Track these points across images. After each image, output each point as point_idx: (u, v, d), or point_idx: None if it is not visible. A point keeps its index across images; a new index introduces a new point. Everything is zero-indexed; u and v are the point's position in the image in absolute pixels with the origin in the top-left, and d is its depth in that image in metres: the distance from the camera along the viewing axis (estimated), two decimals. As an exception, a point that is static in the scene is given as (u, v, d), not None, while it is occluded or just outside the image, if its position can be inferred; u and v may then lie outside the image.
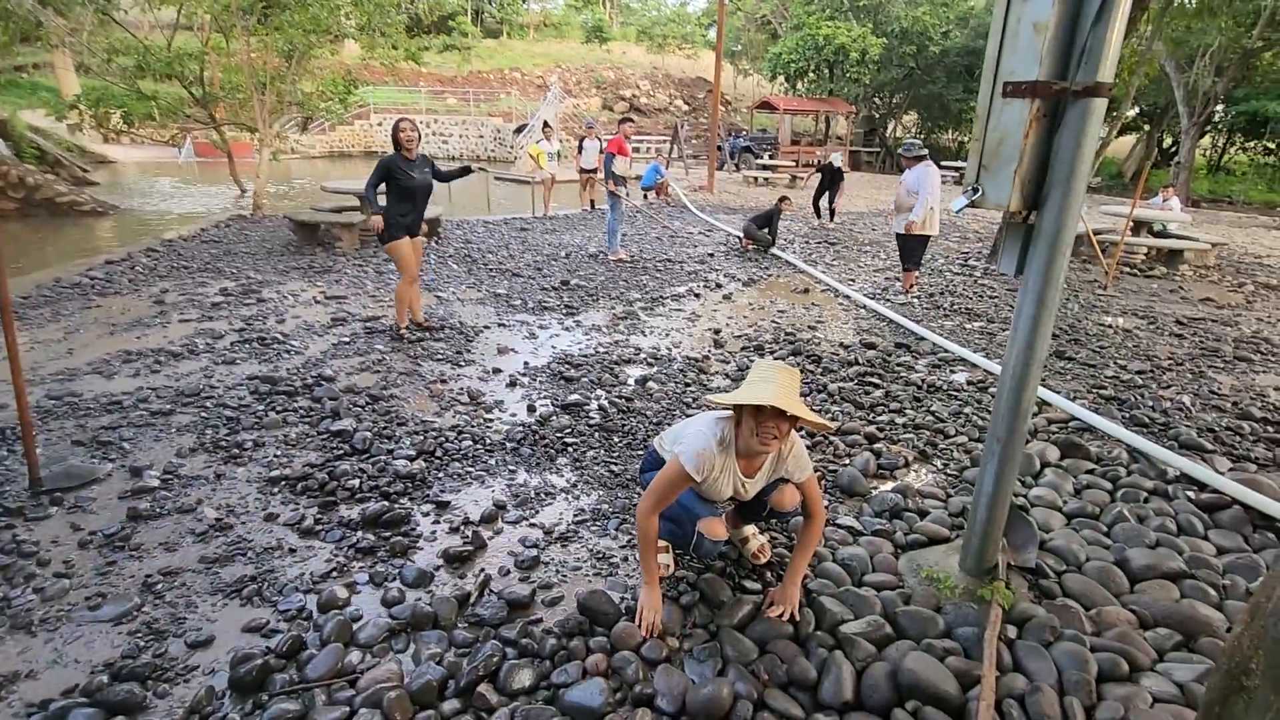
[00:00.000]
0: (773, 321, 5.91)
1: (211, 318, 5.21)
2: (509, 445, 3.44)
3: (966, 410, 4.03)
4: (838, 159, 12.62)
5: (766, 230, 9.04)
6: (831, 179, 12.35)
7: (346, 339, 4.89)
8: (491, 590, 2.34)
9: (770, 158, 22.42)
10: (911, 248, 6.76)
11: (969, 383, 4.50)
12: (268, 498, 2.86)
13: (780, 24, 31.81)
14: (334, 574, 2.41)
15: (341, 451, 3.26)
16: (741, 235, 9.29)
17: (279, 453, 3.23)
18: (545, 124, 13.23)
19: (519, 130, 24.70)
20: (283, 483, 2.96)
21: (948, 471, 3.33)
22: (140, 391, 3.80)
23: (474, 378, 4.35)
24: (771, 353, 5.05)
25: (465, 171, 5.28)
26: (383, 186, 4.76)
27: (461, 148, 26.94)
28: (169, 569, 2.39)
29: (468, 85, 30.92)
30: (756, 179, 19.56)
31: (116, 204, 11.46)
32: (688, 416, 3.80)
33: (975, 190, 2.08)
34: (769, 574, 2.44)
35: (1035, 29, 1.88)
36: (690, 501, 2.29)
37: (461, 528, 2.72)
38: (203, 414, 3.58)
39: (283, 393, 3.89)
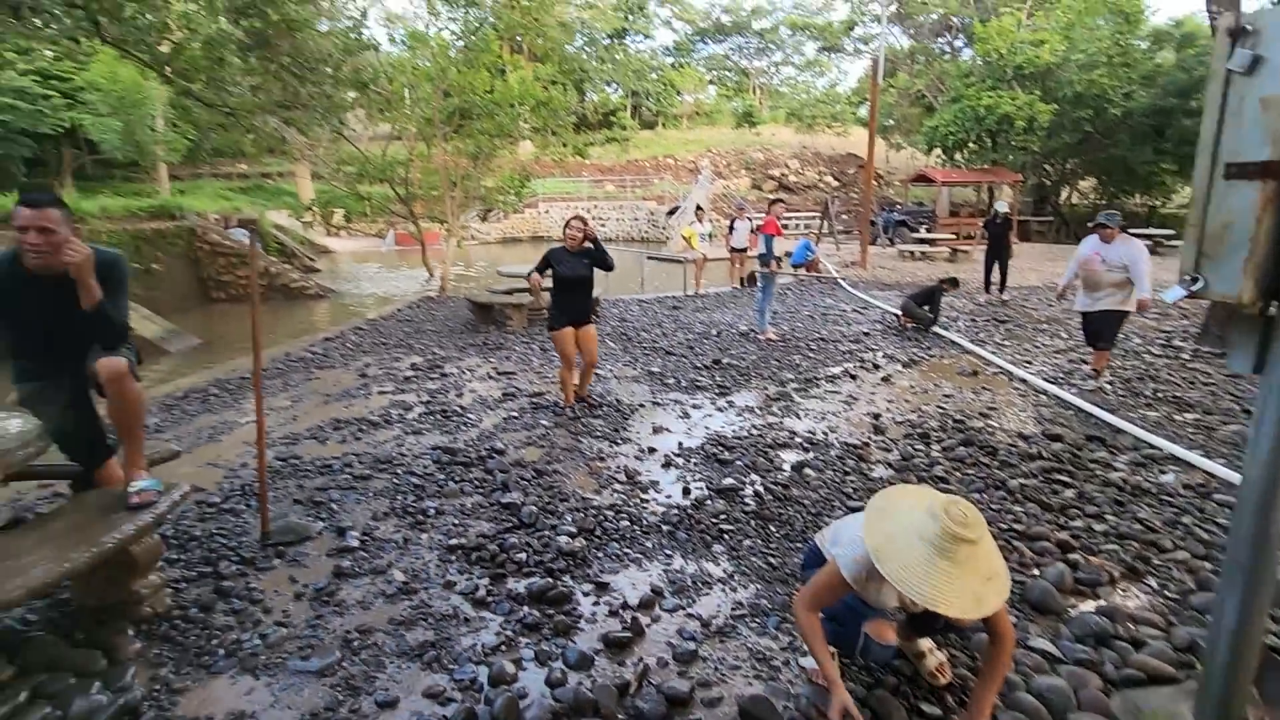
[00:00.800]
0: (938, 407, 5.55)
1: (403, 390, 5.85)
2: (665, 528, 3.46)
3: (1185, 520, 3.48)
4: (1003, 205, 11.73)
5: (927, 308, 8.61)
6: (1000, 235, 11.40)
7: (515, 413, 5.26)
8: (650, 682, 2.32)
9: (927, 231, 21.58)
10: (1108, 325, 6.05)
11: (1186, 486, 3.90)
12: (446, 565, 3.08)
13: (936, 97, 31.17)
14: (503, 648, 2.52)
15: (510, 524, 3.45)
16: (899, 313, 8.93)
17: (456, 522, 3.49)
18: (698, 208, 13.78)
19: (671, 212, 25.90)
20: (459, 551, 3.19)
21: (1167, 594, 2.87)
22: (346, 457, 4.32)
23: (630, 456, 4.47)
24: (939, 441, 4.71)
25: (599, 250, 5.20)
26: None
27: (618, 230, 28.67)
28: (364, 627, 2.63)
29: (625, 173, 33.16)
30: (913, 253, 18.85)
31: (334, 288, 13.51)
32: (849, 509, 3.63)
33: (1195, 279, 1.88)
34: (950, 698, 2.21)
35: (1265, 105, 1.70)
36: (855, 601, 2.17)
37: (620, 611, 2.74)
38: (394, 480, 3.98)
39: (460, 463, 4.23)
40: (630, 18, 44.36)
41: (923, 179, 24.81)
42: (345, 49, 11.06)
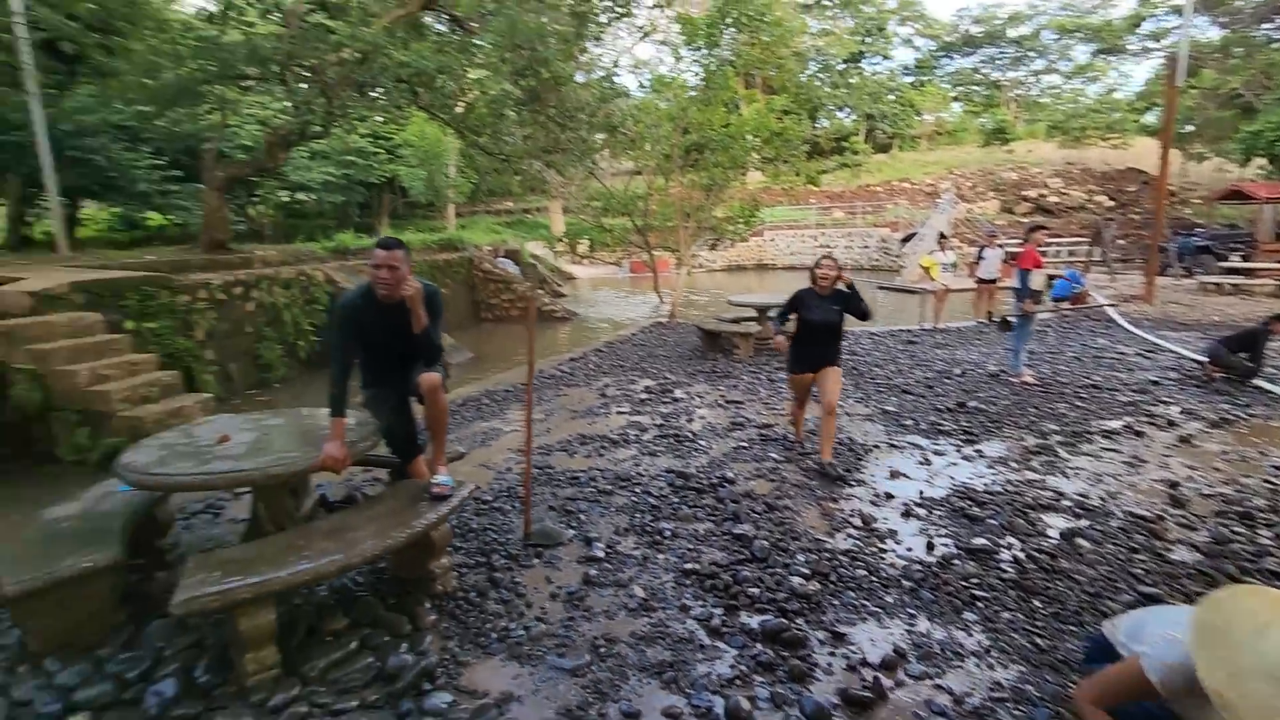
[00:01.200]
0: (1266, 481, 4.47)
1: (639, 412, 6.21)
2: (906, 584, 3.24)
3: None
4: None
5: (1246, 355, 7.01)
6: None
7: (744, 444, 5.30)
8: (896, 751, 2.18)
9: (1242, 259, 17.58)
10: None
11: None
12: (681, 589, 3.20)
13: (1258, 96, 25.47)
14: (738, 682, 2.54)
15: (742, 556, 3.48)
16: (1205, 359, 7.38)
17: (690, 546, 3.61)
18: (941, 235, 12.79)
19: (906, 239, 24.34)
20: (694, 577, 3.29)
21: None
22: (590, 471, 4.70)
23: (865, 500, 4.26)
24: (1268, 525, 3.79)
25: (854, 296, 4.76)
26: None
27: (846, 258, 27.67)
28: (609, 635, 2.83)
29: (855, 199, 31.95)
30: (1220, 286, 15.50)
31: (577, 312, 14.93)
32: (1141, 595, 3.09)
33: None
34: None
35: None
36: (1163, 713, 1.83)
37: (859, 668, 2.62)
38: (632, 498, 4.24)
39: (693, 489, 4.37)
40: (868, 40, 42.91)
41: (1236, 195, 20.27)
42: (601, 97, 12.22)
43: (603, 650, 2.73)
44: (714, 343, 9.07)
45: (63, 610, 2.75)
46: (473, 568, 3.38)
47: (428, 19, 12.46)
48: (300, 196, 19.97)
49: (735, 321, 9.54)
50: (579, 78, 13.48)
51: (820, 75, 41.65)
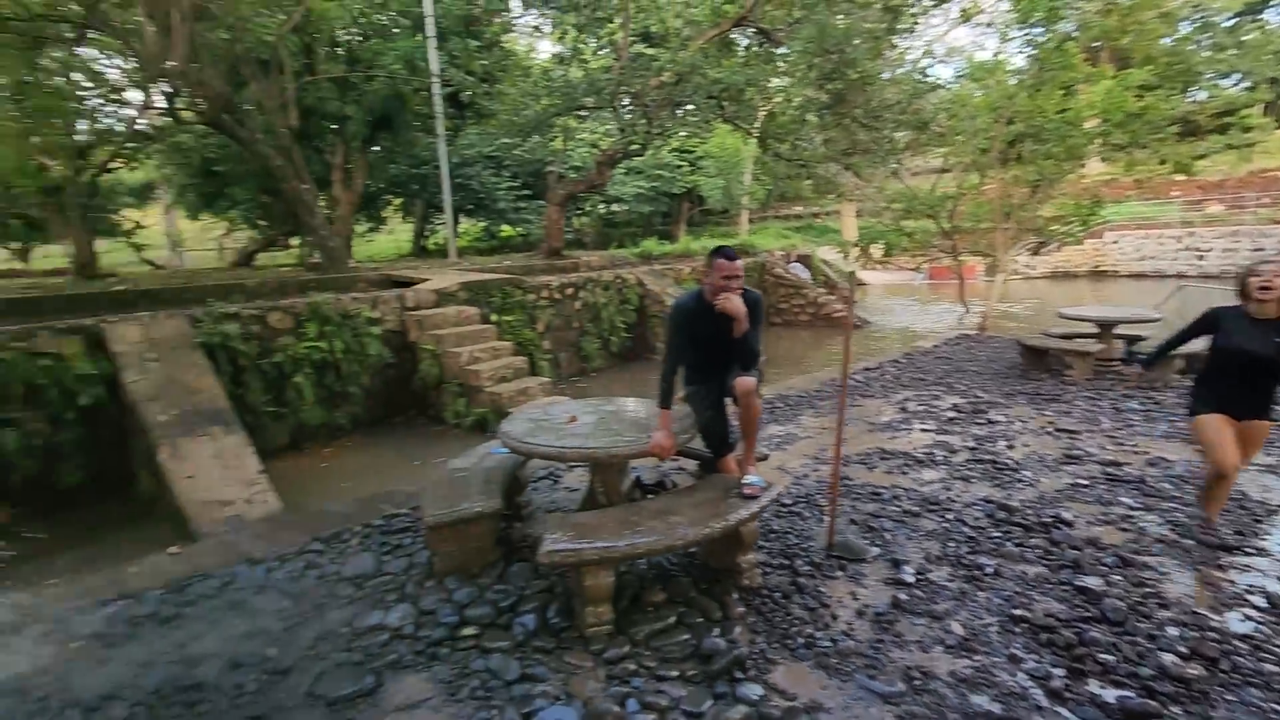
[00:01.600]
0: None
1: (946, 431, 5.70)
2: (1346, 696, 2.46)
3: None
4: None
5: None
6: None
7: (1084, 481, 4.53)
8: None
9: None
10: None
11: None
12: (1009, 636, 2.86)
13: None
14: (1089, 758, 2.20)
15: (1088, 614, 2.98)
16: None
17: (1018, 589, 3.21)
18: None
19: (1328, 238, 18.36)
20: (1024, 625, 2.92)
21: None
22: (893, 489, 4.46)
23: (1270, 575, 3.33)
24: None
25: None
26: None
27: (1221, 264, 21.95)
28: (923, 668, 2.66)
29: (1243, 188, 25.08)
30: None
31: (869, 320, 14.28)
32: None
33: None
34: None
35: None
36: None
37: (1272, 787, 2.07)
38: (944, 525, 3.91)
39: (1017, 524, 3.88)
40: (1279, -19, 33.14)
41: None
42: (912, 93, 11.48)
43: (917, 683, 2.57)
44: (1039, 360, 7.91)
45: (458, 542, 3.49)
46: (776, 568, 3.44)
47: (734, 34, 12.99)
48: (615, 208, 22.41)
49: (1067, 337, 8.20)
50: (884, 75, 12.81)
51: (1196, 36, 33.41)
